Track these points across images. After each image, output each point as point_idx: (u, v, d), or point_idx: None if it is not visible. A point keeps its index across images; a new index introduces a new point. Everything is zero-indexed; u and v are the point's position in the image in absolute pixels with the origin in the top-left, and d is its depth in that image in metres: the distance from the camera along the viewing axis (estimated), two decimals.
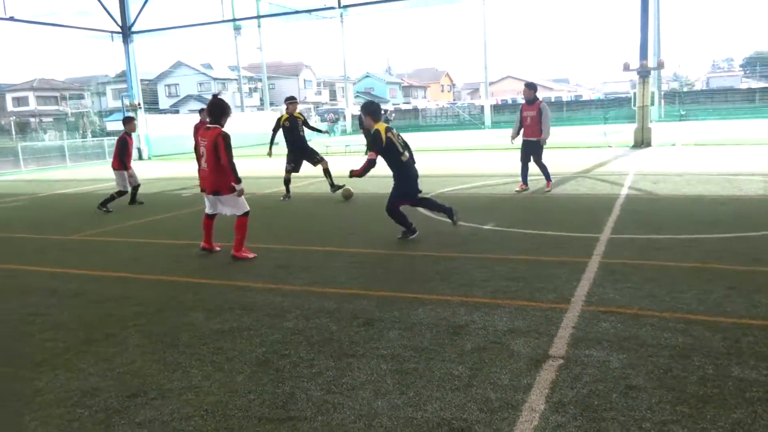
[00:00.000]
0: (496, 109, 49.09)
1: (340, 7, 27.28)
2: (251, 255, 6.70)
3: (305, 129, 11.65)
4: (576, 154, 18.86)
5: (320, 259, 6.64)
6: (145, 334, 4.53)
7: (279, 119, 11.59)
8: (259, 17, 32.93)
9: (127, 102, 29.22)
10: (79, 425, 3.19)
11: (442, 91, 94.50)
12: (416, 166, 7.43)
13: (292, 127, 11.32)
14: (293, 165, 11.52)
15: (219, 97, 6.74)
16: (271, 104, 50.28)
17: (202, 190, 6.81)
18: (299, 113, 11.55)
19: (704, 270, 5.49)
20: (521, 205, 9.77)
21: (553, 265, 5.87)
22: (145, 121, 28.99)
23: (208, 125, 6.56)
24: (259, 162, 22.77)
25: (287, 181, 11.63)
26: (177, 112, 57.60)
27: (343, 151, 25.07)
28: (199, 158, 6.65)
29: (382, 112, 7.62)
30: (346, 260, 6.51)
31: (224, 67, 69.45)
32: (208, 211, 6.87)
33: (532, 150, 10.84)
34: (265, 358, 3.95)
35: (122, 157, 11.45)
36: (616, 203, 9.24)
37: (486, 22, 40.88)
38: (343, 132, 48.21)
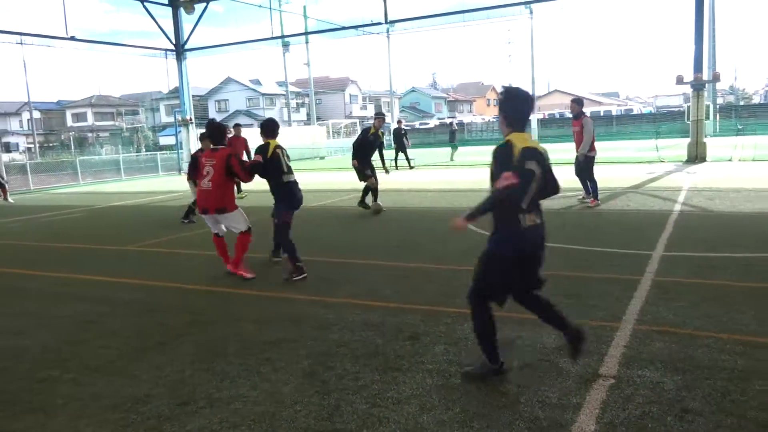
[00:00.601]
0: (543, 123, 48.43)
1: (386, 22, 27.56)
2: (250, 275, 6.55)
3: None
4: (626, 168, 18.44)
5: (365, 272, 6.66)
6: (195, 343, 4.63)
7: (368, 131, 11.22)
8: (306, 34, 33.55)
9: (179, 117, 30.10)
10: (132, 431, 3.28)
11: (488, 105, 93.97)
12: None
13: (375, 141, 11.15)
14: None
15: (216, 121, 6.97)
16: (318, 119, 51.02)
17: (204, 212, 6.70)
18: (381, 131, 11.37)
19: (764, 290, 5.27)
20: (570, 221, 9.60)
21: (603, 282, 5.74)
22: (196, 136, 29.79)
23: (214, 147, 6.66)
24: (305, 175, 23.09)
25: (375, 190, 11.17)
26: (226, 127, 58.97)
27: (389, 166, 25.13)
28: (201, 177, 6.61)
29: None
30: (391, 273, 6.52)
31: (272, 83, 70.89)
32: (215, 231, 6.88)
33: (581, 164, 10.82)
34: (311, 369, 3.98)
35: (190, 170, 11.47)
36: (669, 219, 8.98)
37: (534, 36, 40.57)
38: (389, 146, 48.48)
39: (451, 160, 26.55)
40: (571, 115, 11.24)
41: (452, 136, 28.37)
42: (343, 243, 8.68)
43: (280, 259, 7.17)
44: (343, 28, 29.68)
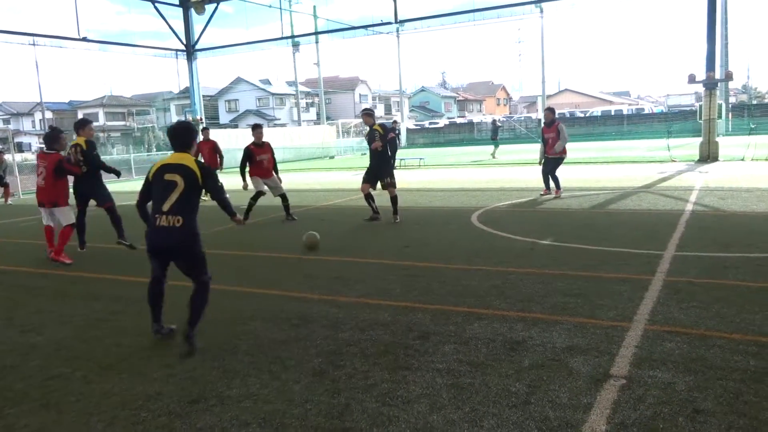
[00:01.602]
0: None
1: (396, 22, 27.57)
2: (69, 261, 7.88)
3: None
4: (638, 168, 18.34)
5: (375, 272, 6.66)
6: (206, 341, 4.64)
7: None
8: (316, 33, 33.61)
9: (189, 117, 30.24)
10: (143, 428, 3.29)
11: (498, 104, 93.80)
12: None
13: (369, 141, 10.32)
14: (365, 179, 10.35)
15: (55, 128, 8.43)
16: (328, 118, 51.07)
17: (40, 205, 8.15)
18: (379, 126, 10.22)
19: None
20: (580, 220, 9.56)
21: (614, 282, 5.71)
22: (201, 137, 29.90)
23: (46, 151, 8.10)
24: (315, 174, 23.12)
25: (366, 197, 10.36)
26: (236, 126, 59.23)
27: (397, 165, 25.16)
28: (38, 175, 8.09)
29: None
30: (401, 273, 6.51)
31: (282, 83, 71.10)
32: (46, 222, 8.22)
33: (553, 164, 12.25)
34: (320, 368, 3.98)
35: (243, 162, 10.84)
36: (680, 219, 8.91)
37: (544, 35, 40.38)
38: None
39: (493, 156, 26.22)
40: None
41: (495, 133, 28.19)
42: (354, 242, 8.68)
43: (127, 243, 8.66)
44: (353, 27, 29.71)
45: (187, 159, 4.57)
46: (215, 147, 15.10)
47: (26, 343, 4.90)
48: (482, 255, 7.21)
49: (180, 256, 4.57)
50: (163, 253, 4.58)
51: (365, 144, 11.02)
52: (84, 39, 25.30)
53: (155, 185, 4.53)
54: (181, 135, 4.64)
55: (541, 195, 12.47)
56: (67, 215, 8.09)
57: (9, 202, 18.45)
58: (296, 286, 6.21)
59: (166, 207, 4.40)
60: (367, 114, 10.46)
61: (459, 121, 61.78)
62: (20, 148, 60.65)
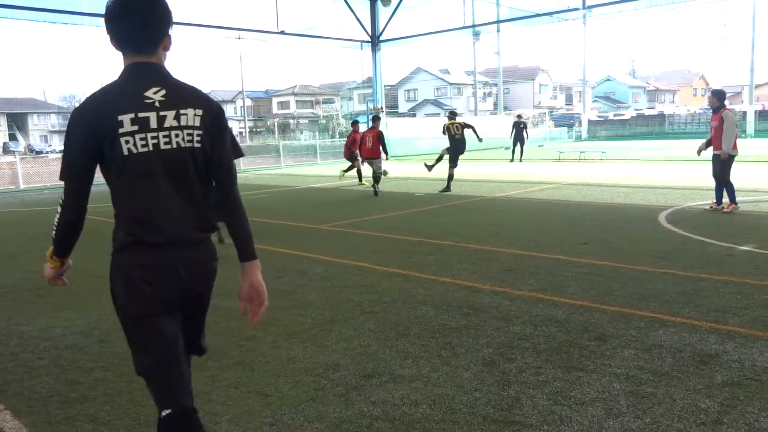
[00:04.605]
0: (762, 115, 42.68)
1: (584, 8, 26.19)
2: None
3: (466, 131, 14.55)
4: None
5: (549, 266, 6.45)
6: (380, 321, 4.85)
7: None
8: (498, 22, 33.07)
9: (371, 106, 31.54)
10: (323, 395, 3.54)
11: (695, 95, 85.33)
12: None
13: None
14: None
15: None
16: (505, 108, 50.25)
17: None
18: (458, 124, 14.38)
19: None
20: None
21: None
22: (385, 124, 31.01)
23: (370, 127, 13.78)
24: (490, 165, 22.90)
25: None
26: (414, 115, 60.68)
27: (577, 158, 24.07)
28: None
29: None
30: (577, 270, 6.24)
31: (461, 72, 71.21)
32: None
33: (719, 166, 9.78)
34: (491, 359, 3.97)
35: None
36: None
37: (756, 15, 35.91)
38: (578, 138, 46.24)
39: None
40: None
41: None
42: (529, 236, 8.48)
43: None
44: (538, 15, 28.73)
45: None
46: (379, 135, 15.05)
47: (224, 306, 5.48)
48: (670, 258, 6.66)
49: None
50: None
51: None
52: (282, 32, 27.42)
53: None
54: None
55: (710, 208, 9.93)
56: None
57: None
58: (466, 275, 6.23)
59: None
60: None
61: (648, 112, 57.21)
62: None
